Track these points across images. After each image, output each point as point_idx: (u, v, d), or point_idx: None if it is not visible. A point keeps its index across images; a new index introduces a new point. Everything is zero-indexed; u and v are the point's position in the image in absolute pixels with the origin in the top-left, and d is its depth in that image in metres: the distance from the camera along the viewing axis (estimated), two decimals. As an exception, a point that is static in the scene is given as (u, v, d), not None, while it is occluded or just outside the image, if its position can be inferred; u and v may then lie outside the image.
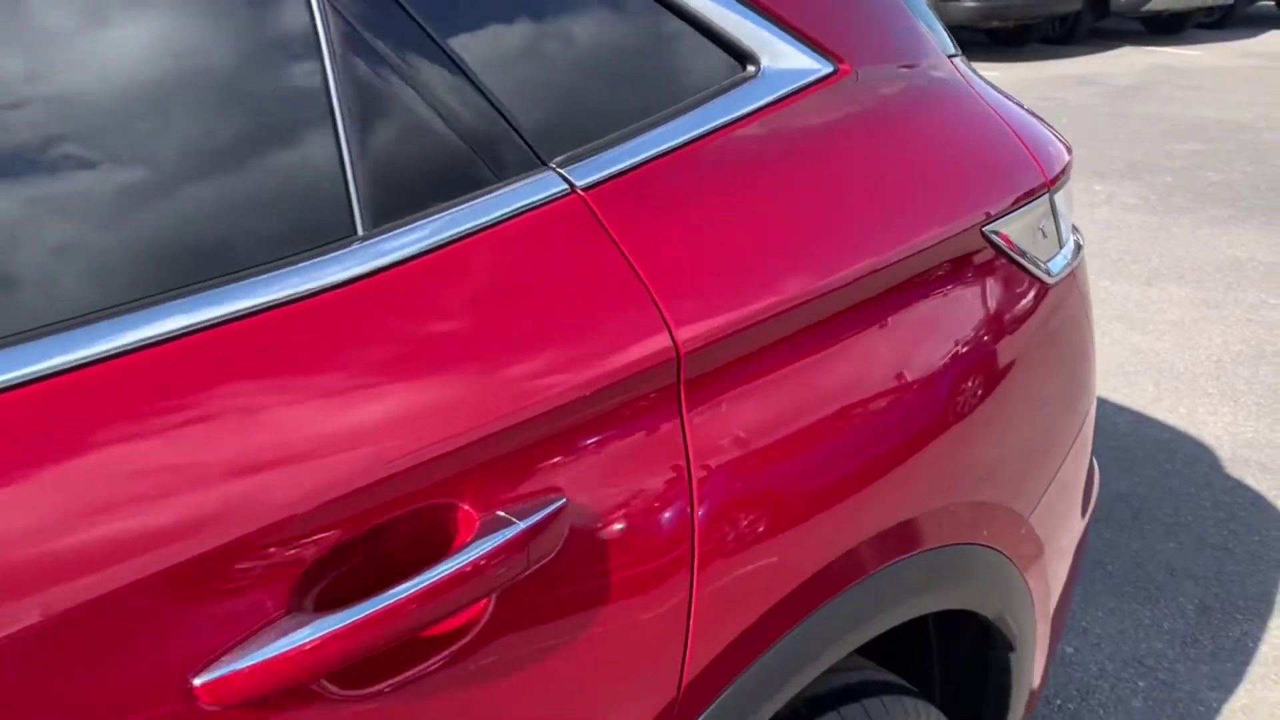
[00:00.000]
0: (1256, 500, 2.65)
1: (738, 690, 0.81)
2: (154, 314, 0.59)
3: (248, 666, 0.57)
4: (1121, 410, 3.12)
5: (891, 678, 1.11)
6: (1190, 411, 3.10)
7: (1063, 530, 1.24)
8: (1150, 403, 3.16)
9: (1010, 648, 1.17)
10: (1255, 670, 2.08)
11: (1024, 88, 7.94)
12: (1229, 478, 2.76)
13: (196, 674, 0.56)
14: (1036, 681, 1.40)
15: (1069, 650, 2.14)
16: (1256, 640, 2.17)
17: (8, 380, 0.55)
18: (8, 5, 0.59)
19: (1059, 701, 2.01)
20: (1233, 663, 2.11)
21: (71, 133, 0.59)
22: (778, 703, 0.86)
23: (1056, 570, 1.27)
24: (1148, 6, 10.14)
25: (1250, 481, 2.73)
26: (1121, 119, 7.04)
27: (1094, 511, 1.49)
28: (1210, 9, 10.87)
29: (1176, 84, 8.33)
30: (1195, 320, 3.75)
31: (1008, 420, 1.03)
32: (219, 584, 0.57)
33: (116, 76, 0.61)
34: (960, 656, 1.25)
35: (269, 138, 0.64)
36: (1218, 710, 1.98)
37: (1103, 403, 3.14)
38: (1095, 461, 1.48)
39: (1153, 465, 2.81)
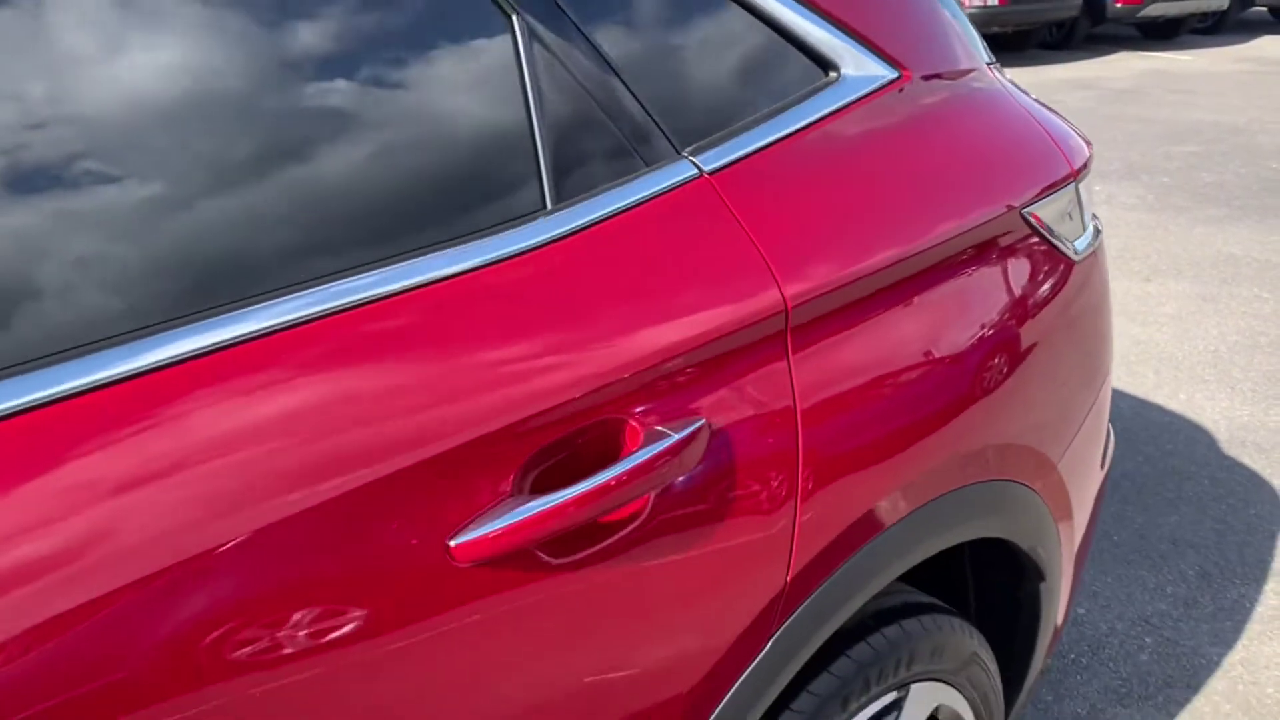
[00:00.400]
0: (1252, 478, 2.83)
1: (830, 587, 0.99)
2: (417, 267, 0.76)
3: (485, 534, 0.74)
4: (1124, 396, 3.29)
5: (940, 602, 1.28)
6: (1189, 398, 3.28)
7: (1085, 478, 1.42)
8: (1151, 390, 3.34)
9: (1041, 577, 1.35)
10: (1252, 628, 2.26)
11: (1023, 92, 8.12)
12: (1226, 457, 2.94)
13: (452, 538, 0.73)
14: (1060, 619, 1.58)
15: (1080, 611, 2.32)
16: (1253, 601, 2.35)
17: (304, 315, 0.72)
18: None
19: (1073, 656, 2.18)
20: (1231, 621, 2.28)
21: (343, 126, 0.77)
22: (858, 602, 1.03)
23: (1080, 515, 1.44)
24: (1143, 12, 10.36)
25: (1246, 461, 2.91)
26: (1119, 122, 7.23)
27: (1109, 468, 1.66)
28: (1204, 15, 11.10)
29: (1171, 88, 8.53)
30: (1193, 313, 3.93)
31: (1045, 374, 1.21)
32: (467, 473, 0.74)
33: (383, 86, 0.78)
34: (996, 591, 1.43)
35: (489, 132, 0.82)
36: (1218, 663, 2.16)
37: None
38: (1111, 426, 1.66)
39: (1155, 446, 2.99)
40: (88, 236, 0.65)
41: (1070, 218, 1.31)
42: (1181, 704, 2.04)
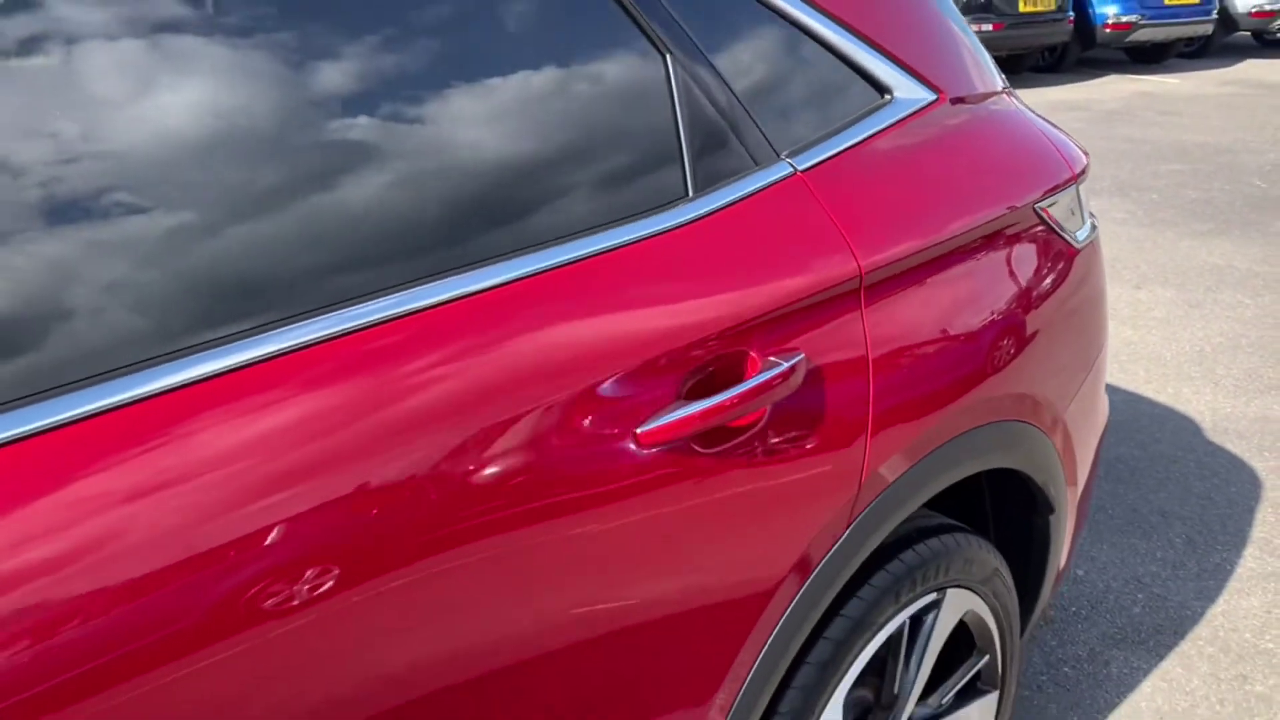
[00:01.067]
0: (1234, 460, 3.13)
1: (890, 493, 1.27)
2: (603, 236, 1.05)
3: (660, 424, 1.03)
4: (1117, 391, 3.59)
5: (968, 527, 1.57)
6: (1176, 392, 3.58)
7: (1087, 430, 1.71)
8: (1141, 385, 3.64)
9: (1050, 510, 1.63)
10: (1232, 585, 2.55)
11: (1017, 113, 8.45)
12: (1210, 443, 3.23)
13: (639, 426, 1.02)
14: (1063, 561, 1.86)
15: (1080, 573, 2.60)
16: (1233, 565, 2.64)
17: (540, 267, 1.00)
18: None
19: (1074, 609, 2.47)
20: (1214, 580, 2.57)
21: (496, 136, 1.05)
22: (912, 507, 1.32)
23: (1082, 461, 1.73)
24: (1131, 37, 10.74)
25: (1229, 446, 3.21)
26: (1109, 142, 7.57)
27: (1106, 433, 1.95)
28: (1190, 40, 11.48)
29: (1159, 110, 8.89)
30: (1180, 317, 4.24)
31: (1057, 335, 1.50)
32: (645, 384, 1.03)
33: (574, 104, 1.07)
34: (1013, 526, 1.71)
35: (649, 138, 1.11)
36: (1202, 614, 2.44)
37: (1101, 385, 3.61)
38: (1107, 398, 1.95)
39: (1145, 434, 3.29)
40: (209, 246, 0.84)
41: (1073, 213, 1.61)
42: (1170, 646, 2.33)
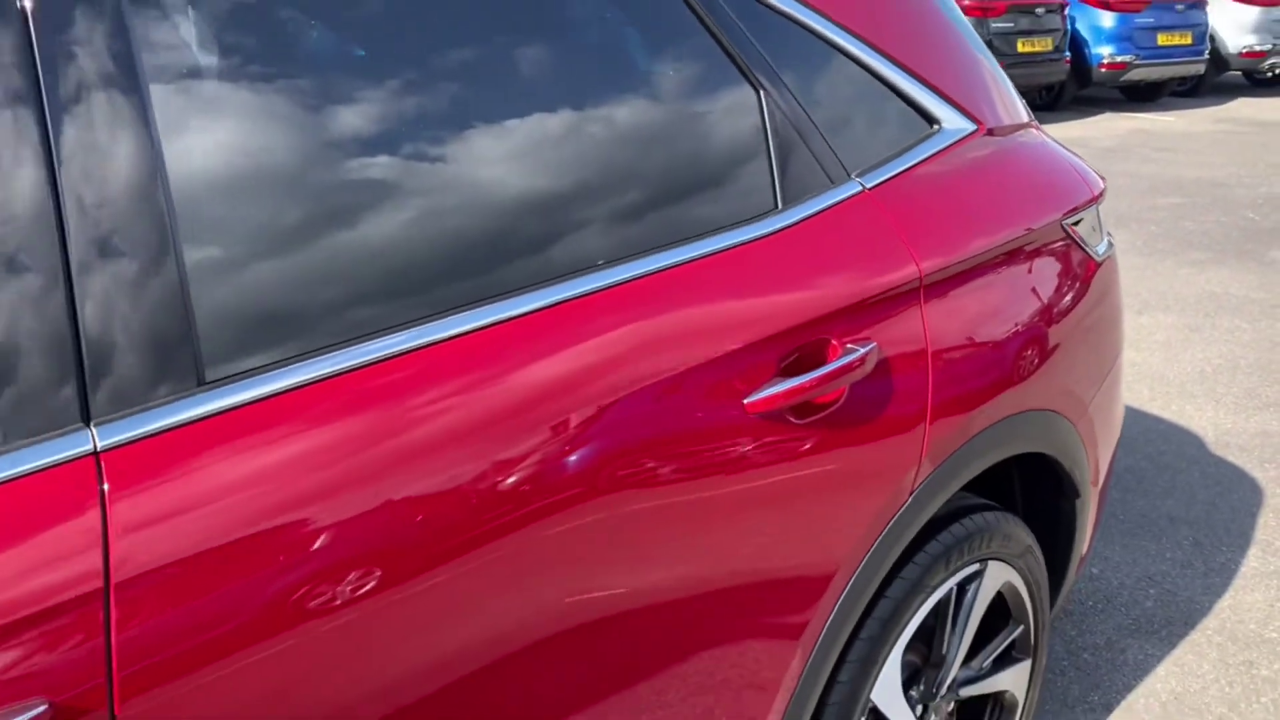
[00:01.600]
0: (1235, 471, 3.32)
1: (945, 467, 1.47)
2: (710, 241, 1.25)
3: (761, 397, 1.23)
4: (1125, 409, 3.79)
5: (1002, 507, 1.76)
6: (1180, 409, 3.78)
7: (1107, 426, 1.91)
8: (1146, 402, 3.84)
9: (1076, 494, 1.83)
10: (1237, 582, 2.73)
11: (1018, 149, 8.72)
12: (1213, 455, 3.43)
13: (746, 398, 1.22)
14: (1085, 547, 2.05)
15: (1095, 571, 2.79)
16: (1238, 564, 2.83)
17: (671, 262, 1.20)
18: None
19: (1091, 603, 2.65)
20: (1220, 578, 2.76)
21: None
22: (963, 480, 1.51)
23: (1104, 456, 1.93)
24: (1126, 77, 11.04)
25: (1230, 458, 3.41)
26: (1108, 177, 7.79)
27: (1120, 436, 2.15)
28: (1183, 79, 11.79)
29: (1155, 146, 9.16)
30: (1180, 340, 4.45)
31: (1083, 336, 1.70)
32: (751, 359, 1.23)
33: (689, 135, 1.28)
34: (1043, 511, 1.90)
35: (746, 160, 1.32)
36: (1210, 608, 2.63)
37: (1108, 403, 3.81)
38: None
39: (1152, 447, 3.48)
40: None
41: (1094, 230, 1.82)
42: (1181, 636, 2.51)
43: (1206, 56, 11.44)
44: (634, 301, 1.16)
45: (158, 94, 0.90)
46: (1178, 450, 3.46)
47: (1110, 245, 1.92)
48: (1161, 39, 10.96)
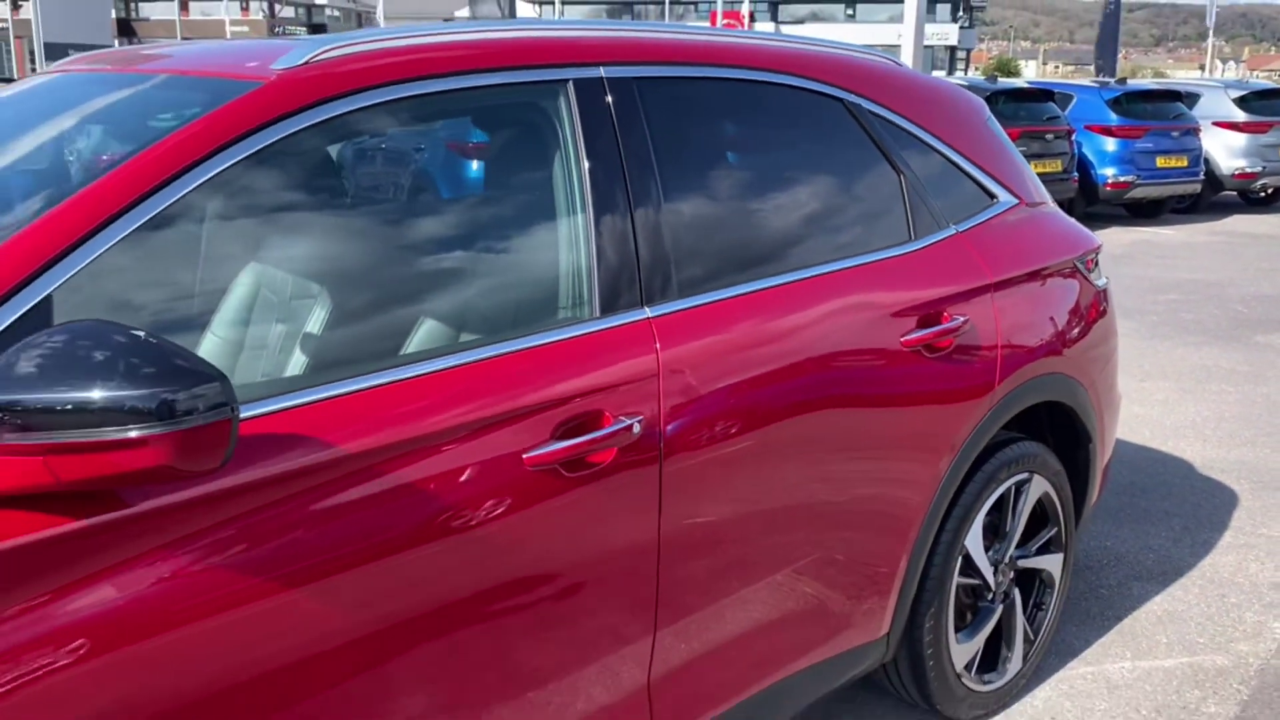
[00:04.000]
0: (1216, 484, 4.26)
1: (1009, 398, 2.45)
2: (859, 260, 2.27)
3: (911, 338, 2.23)
4: (1127, 444, 4.73)
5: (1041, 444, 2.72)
6: (1174, 445, 4.73)
7: (1109, 397, 2.90)
8: (1146, 440, 4.79)
9: (1089, 440, 2.80)
10: (1215, 551, 3.65)
11: (1034, 256, 9.83)
12: (1200, 474, 4.37)
13: (901, 337, 2.22)
14: (1095, 496, 3.00)
15: (1108, 544, 3.70)
16: (1215, 540, 3.74)
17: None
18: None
19: (1105, 561, 3.57)
20: (1202, 548, 3.67)
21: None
22: (1014, 411, 2.49)
23: (1108, 425, 2.91)
24: (1129, 195, 12.23)
25: (1214, 477, 4.34)
26: (1115, 279, 8.79)
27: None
28: (1182, 196, 12.98)
29: (1156, 254, 10.26)
30: (1176, 400, 5.41)
31: (1087, 331, 2.70)
32: (899, 319, 2.24)
33: (849, 193, 2.32)
34: (1065, 455, 2.86)
35: (890, 208, 2.34)
36: (1194, 566, 3.54)
37: (1116, 442, 4.75)
38: (1120, 393, 3.13)
39: (1152, 469, 4.42)
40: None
41: (1093, 270, 2.83)
42: (1171, 580, 3.43)
43: (1202, 178, 12.64)
44: (840, 283, 2.17)
45: (662, 164, 1.94)
46: (1172, 470, 4.41)
47: (1106, 281, 2.93)
48: (1160, 161, 12.18)
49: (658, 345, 1.81)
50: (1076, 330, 2.69)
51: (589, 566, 1.71)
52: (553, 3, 54.50)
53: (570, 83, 1.84)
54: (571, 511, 1.67)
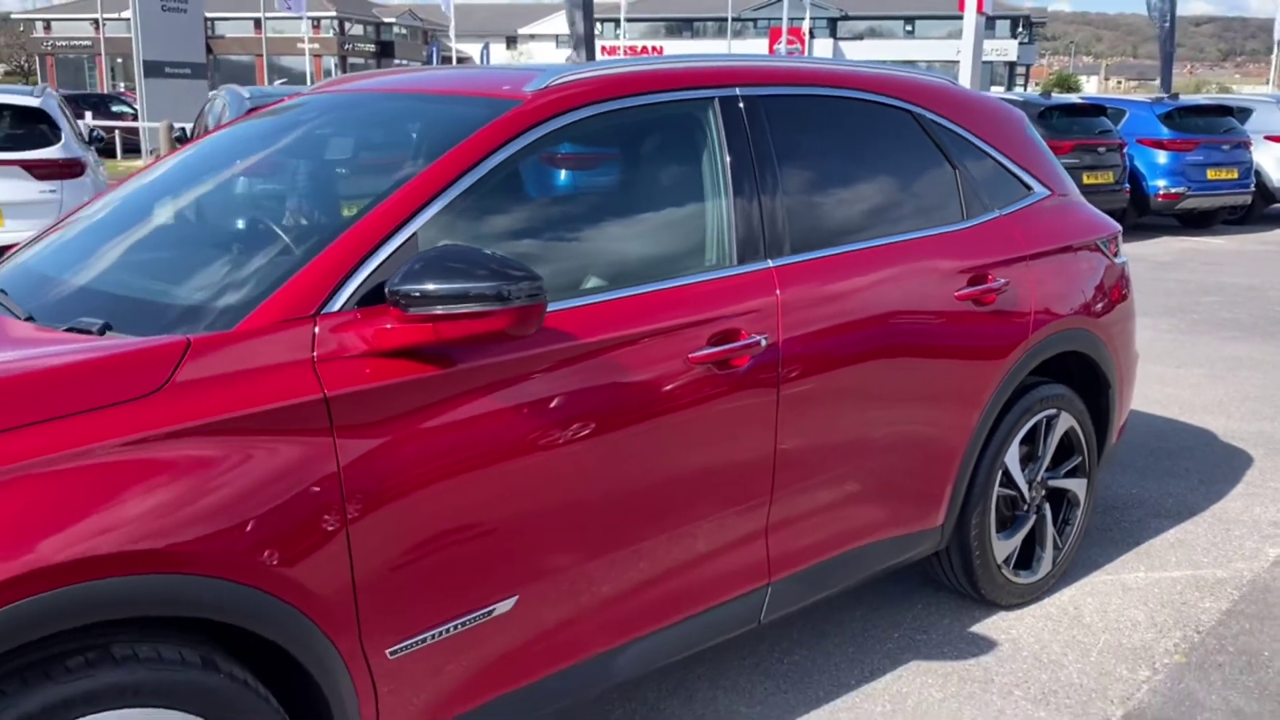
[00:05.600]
0: (1234, 450, 4.86)
1: (1040, 345, 3.13)
2: (921, 233, 2.97)
3: (964, 293, 2.92)
4: (1156, 418, 5.35)
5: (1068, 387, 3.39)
6: (1200, 419, 5.33)
7: (1127, 355, 3.55)
8: (1176, 415, 5.40)
9: (1109, 386, 3.46)
10: (1228, 499, 4.27)
11: (1084, 261, 10.39)
12: (1221, 442, 4.98)
13: (955, 291, 2.92)
14: (1114, 438, 3.66)
15: (1134, 491, 4.34)
16: (1228, 491, 4.36)
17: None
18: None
19: (1131, 504, 4.20)
20: (1217, 496, 4.29)
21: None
22: (1043, 357, 3.16)
23: (1125, 375, 3.57)
24: (1180, 205, 12.70)
25: (1232, 443, 4.95)
26: (1161, 282, 9.42)
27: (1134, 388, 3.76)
28: (1233, 208, 13.41)
29: (1202, 261, 10.75)
30: (1206, 383, 6.00)
31: (1106, 296, 3.37)
32: (955, 278, 2.93)
33: (913, 188, 3.02)
34: (1089, 400, 3.52)
35: (947, 199, 3.04)
36: (1207, 509, 4.16)
37: (1146, 415, 5.37)
38: (1137, 353, 3.78)
39: (1176, 438, 5.04)
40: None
41: (1116, 248, 3.50)
42: (1186, 518, 4.06)
43: (1252, 189, 13.07)
44: (909, 250, 2.87)
45: (780, 158, 2.66)
46: (1196, 438, 5.02)
47: (1125, 260, 3.60)
48: (1210, 174, 12.64)
49: (778, 288, 2.53)
50: (1097, 295, 3.36)
51: (729, 440, 2.43)
52: (616, 20, 55.71)
53: (716, 99, 2.57)
54: (719, 398, 2.39)
